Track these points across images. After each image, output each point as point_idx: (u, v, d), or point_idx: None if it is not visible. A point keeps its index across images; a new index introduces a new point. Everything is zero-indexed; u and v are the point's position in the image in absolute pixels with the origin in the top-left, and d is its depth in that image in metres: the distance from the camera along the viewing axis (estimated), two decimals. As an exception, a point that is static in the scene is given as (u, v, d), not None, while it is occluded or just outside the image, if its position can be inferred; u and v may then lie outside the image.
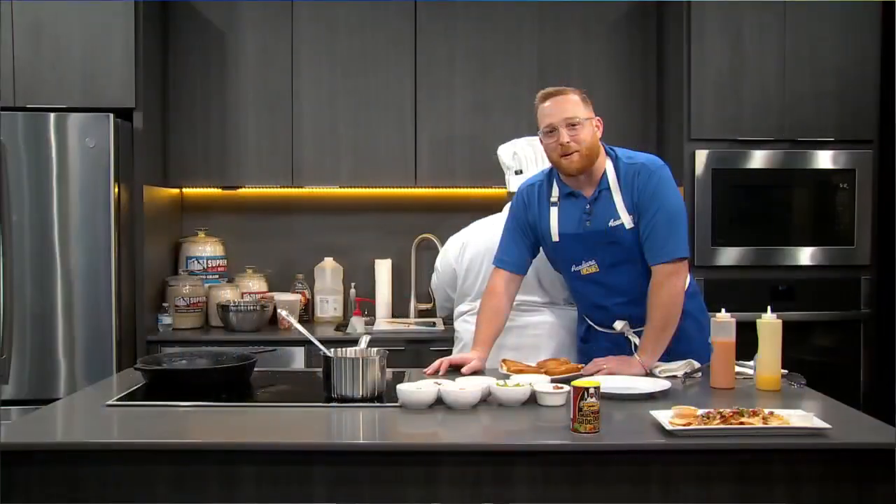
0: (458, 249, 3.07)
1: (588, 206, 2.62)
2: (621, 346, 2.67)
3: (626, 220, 2.58)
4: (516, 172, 3.02)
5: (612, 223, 2.59)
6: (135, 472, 1.88)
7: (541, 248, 2.80)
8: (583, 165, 2.58)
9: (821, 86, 3.84)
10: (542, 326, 2.92)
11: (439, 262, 3.19)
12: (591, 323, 2.77)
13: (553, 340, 2.91)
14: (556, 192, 2.69)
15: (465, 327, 3.04)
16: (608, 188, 2.61)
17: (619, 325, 2.67)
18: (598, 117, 2.64)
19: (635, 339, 2.65)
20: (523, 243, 2.75)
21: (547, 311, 2.94)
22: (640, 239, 2.59)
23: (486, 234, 3.02)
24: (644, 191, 2.57)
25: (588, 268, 2.65)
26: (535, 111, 2.63)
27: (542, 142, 2.65)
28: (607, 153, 2.66)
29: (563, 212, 2.66)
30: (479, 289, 3.01)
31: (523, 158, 3.04)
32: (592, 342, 2.78)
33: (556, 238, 2.67)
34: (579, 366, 2.50)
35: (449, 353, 3.75)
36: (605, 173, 2.63)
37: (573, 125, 2.54)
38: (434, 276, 3.25)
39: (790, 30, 3.83)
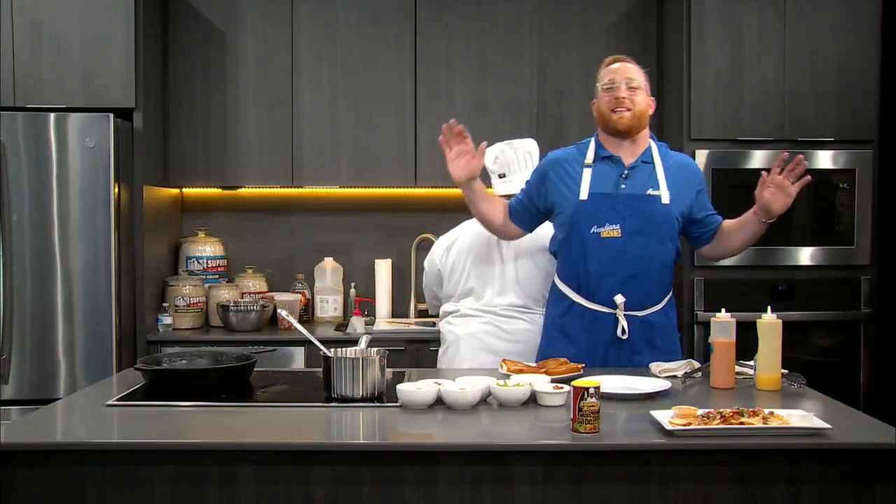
0: (444, 249, 3.12)
1: (626, 172, 2.72)
2: (603, 327, 2.70)
3: (665, 195, 2.69)
4: (500, 176, 3.03)
5: (650, 192, 2.70)
6: (135, 472, 1.88)
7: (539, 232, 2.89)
8: (630, 125, 2.70)
9: (821, 86, 3.84)
10: (527, 334, 2.94)
11: (427, 262, 3.23)
12: (577, 300, 2.74)
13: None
14: (591, 155, 2.77)
15: (448, 328, 3.06)
16: (651, 162, 2.74)
17: (619, 298, 2.67)
18: (653, 98, 2.79)
19: (624, 323, 2.67)
20: (529, 200, 2.84)
21: (526, 319, 2.96)
22: (688, 216, 2.75)
23: (473, 233, 3.03)
24: (701, 181, 2.83)
25: (610, 231, 2.68)
26: (598, 73, 2.79)
27: (595, 103, 2.76)
28: (651, 137, 2.80)
29: (596, 173, 2.73)
30: (462, 288, 3.02)
31: (505, 161, 3.06)
32: (572, 318, 2.75)
33: (583, 196, 2.71)
34: (579, 366, 2.50)
35: (449, 352, 3.75)
36: (649, 148, 2.76)
37: (632, 87, 2.70)
38: (424, 276, 3.28)
39: (790, 29, 3.83)
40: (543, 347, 2.82)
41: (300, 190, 4.28)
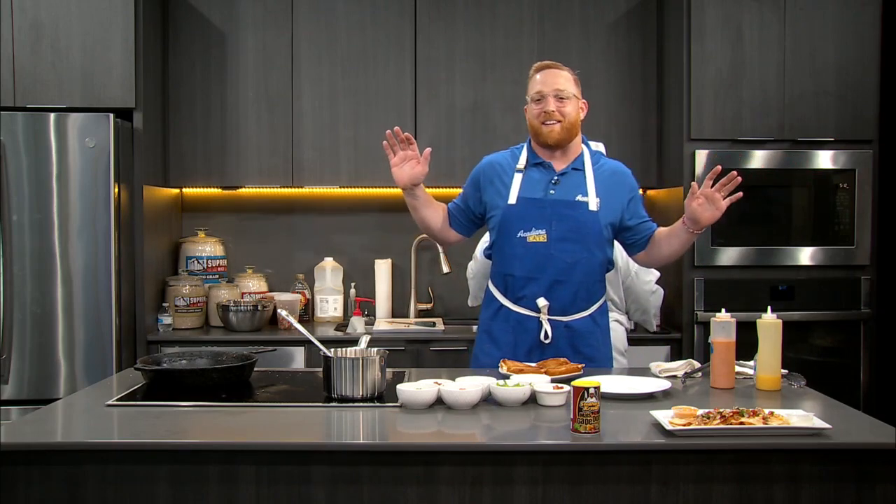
0: None
1: (556, 178, 2.73)
2: (527, 330, 2.71)
3: (593, 202, 2.70)
4: None
5: (578, 198, 2.71)
6: (135, 472, 1.88)
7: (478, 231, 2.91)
8: (561, 137, 2.71)
9: (821, 86, 3.84)
10: None
11: (478, 250, 3.20)
12: (504, 302, 2.76)
13: None
14: (523, 160, 2.78)
15: None
16: (582, 169, 2.75)
17: (541, 301, 2.69)
18: (584, 101, 2.79)
19: (547, 327, 2.68)
20: (465, 205, 2.85)
21: None
22: (620, 224, 2.74)
23: None
24: (633, 188, 2.80)
25: (536, 236, 2.69)
26: (528, 81, 2.78)
27: (527, 111, 2.77)
28: (584, 142, 2.82)
29: (527, 178, 2.75)
30: None
31: None
32: (498, 321, 2.77)
33: (512, 200, 2.73)
34: (579, 366, 2.51)
35: (448, 352, 3.77)
36: (581, 155, 2.78)
37: (561, 98, 2.70)
38: (471, 264, 3.26)
39: (790, 30, 3.83)
40: (475, 351, 2.86)
41: (300, 190, 4.28)
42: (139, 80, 3.70)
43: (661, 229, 2.77)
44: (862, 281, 3.86)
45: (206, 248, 4.21)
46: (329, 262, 4.28)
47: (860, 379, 3.86)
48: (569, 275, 2.68)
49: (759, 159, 3.83)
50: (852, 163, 3.84)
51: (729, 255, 3.83)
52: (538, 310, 2.69)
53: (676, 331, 3.85)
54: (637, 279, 3.22)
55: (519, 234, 2.71)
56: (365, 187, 4.26)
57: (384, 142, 2.70)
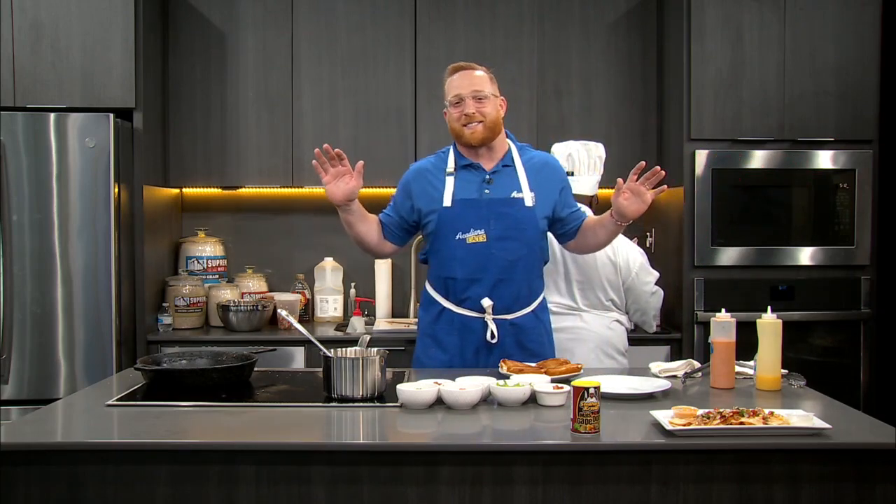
0: None
1: (488, 177, 2.74)
2: (472, 332, 2.71)
3: (528, 196, 2.71)
4: (568, 174, 3.05)
5: (514, 195, 2.71)
6: (135, 472, 1.88)
7: (415, 241, 2.97)
8: (484, 137, 2.71)
9: (821, 86, 3.84)
10: (573, 331, 3.00)
11: None
12: (446, 305, 2.76)
13: (585, 344, 2.99)
14: (451, 164, 2.77)
15: None
16: (512, 165, 2.76)
17: (486, 302, 2.69)
18: (503, 97, 2.79)
19: (493, 327, 2.69)
20: (398, 215, 2.85)
21: (578, 317, 3.05)
22: (553, 215, 2.75)
23: None
24: (563, 179, 2.82)
25: (475, 236, 2.69)
26: (444, 85, 2.77)
27: (447, 115, 2.76)
28: (509, 137, 2.82)
29: (459, 181, 2.75)
30: None
31: (577, 161, 3.11)
32: (442, 323, 2.77)
33: (447, 203, 2.72)
34: (579, 366, 2.51)
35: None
36: (509, 152, 2.78)
37: (479, 98, 2.69)
38: None
39: (790, 29, 3.83)
40: (417, 354, 2.85)
41: (300, 190, 4.27)
42: (139, 80, 3.70)
43: (591, 218, 2.80)
44: (862, 281, 3.86)
45: (206, 248, 4.22)
46: (329, 262, 4.28)
47: (860, 379, 3.86)
48: (511, 273, 2.69)
49: (759, 159, 3.83)
50: (852, 163, 3.84)
51: (729, 255, 3.83)
52: (483, 310, 2.70)
53: (676, 331, 3.85)
54: (637, 280, 3.22)
55: (458, 237, 2.70)
56: (365, 187, 4.23)
57: (314, 161, 2.66)
